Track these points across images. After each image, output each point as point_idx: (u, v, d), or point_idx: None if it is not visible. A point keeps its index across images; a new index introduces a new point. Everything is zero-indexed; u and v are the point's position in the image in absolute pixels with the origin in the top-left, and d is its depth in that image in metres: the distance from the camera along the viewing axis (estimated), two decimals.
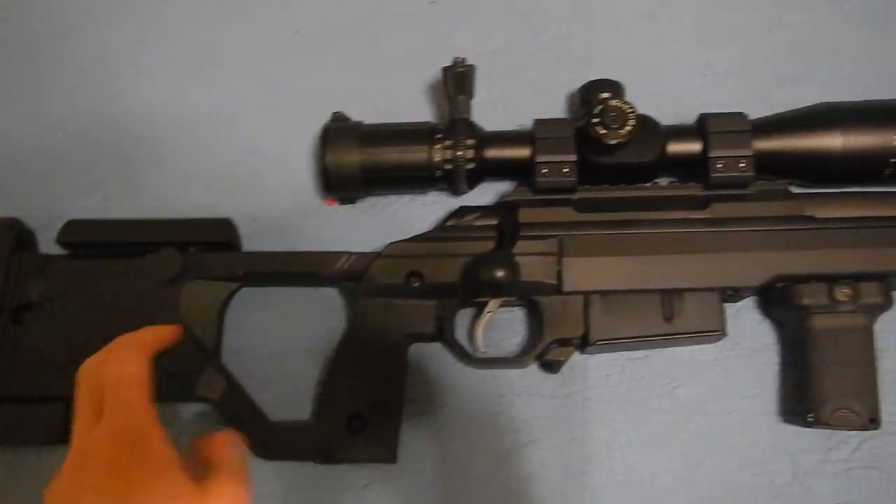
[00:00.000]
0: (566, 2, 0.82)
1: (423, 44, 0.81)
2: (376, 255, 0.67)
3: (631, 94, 0.69)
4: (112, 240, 0.70)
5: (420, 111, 0.78)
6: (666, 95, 0.77)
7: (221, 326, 0.70)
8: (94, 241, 0.70)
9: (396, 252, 0.67)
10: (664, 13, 0.80)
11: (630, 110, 0.65)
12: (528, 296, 0.67)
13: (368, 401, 0.64)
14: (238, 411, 0.66)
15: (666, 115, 0.69)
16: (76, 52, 0.83)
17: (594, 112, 0.65)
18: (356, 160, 0.69)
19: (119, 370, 0.51)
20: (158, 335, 0.57)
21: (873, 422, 0.62)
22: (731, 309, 0.69)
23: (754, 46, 0.79)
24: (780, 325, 0.69)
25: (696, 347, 0.69)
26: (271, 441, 0.66)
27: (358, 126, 0.71)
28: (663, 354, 0.69)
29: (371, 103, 0.76)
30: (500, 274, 0.62)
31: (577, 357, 0.69)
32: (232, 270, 0.69)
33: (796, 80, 0.76)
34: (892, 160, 0.65)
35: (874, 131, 0.65)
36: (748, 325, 0.70)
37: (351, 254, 0.68)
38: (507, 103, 0.78)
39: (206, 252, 0.69)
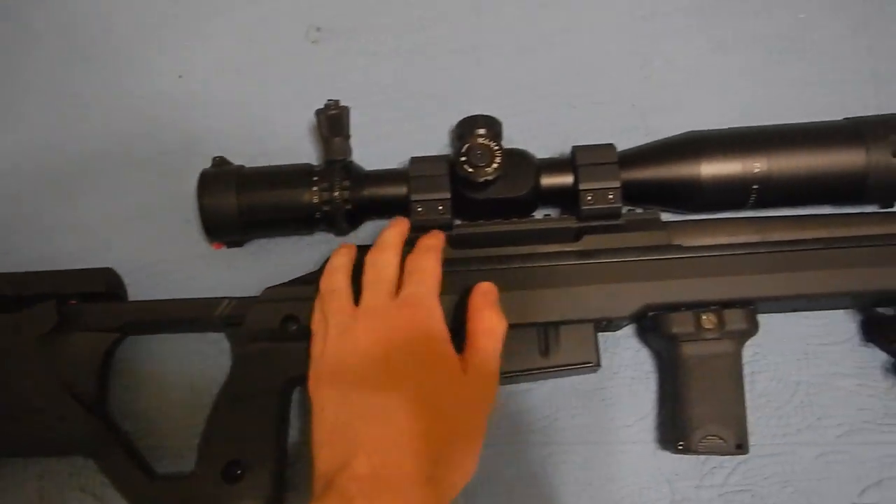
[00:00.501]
0: (450, 37, 0.83)
1: (308, 84, 0.81)
2: (253, 301, 0.67)
3: (513, 127, 0.71)
4: None
5: (306, 153, 0.78)
6: (548, 128, 0.78)
7: (105, 378, 0.70)
8: None
9: (273, 297, 0.67)
10: (541, 47, 0.82)
11: (496, 147, 0.66)
12: None
13: (248, 449, 0.64)
14: (118, 465, 0.66)
15: (551, 147, 0.71)
16: None
17: (461, 151, 0.66)
18: (233, 204, 0.69)
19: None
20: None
21: (740, 447, 0.63)
22: (611, 338, 0.70)
23: (629, 77, 0.80)
24: (656, 353, 0.70)
25: (577, 378, 0.70)
26: (155, 495, 0.65)
27: (236, 170, 0.71)
28: (546, 385, 0.70)
29: (255, 146, 0.77)
30: None
31: None
32: (114, 320, 0.69)
33: (668, 110, 0.78)
34: (755, 187, 0.66)
35: (736, 159, 0.66)
36: (628, 353, 0.71)
37: (231, 299, 0.68)
38: (393, 140, 0.78)
39: (86, 303, 0.69)
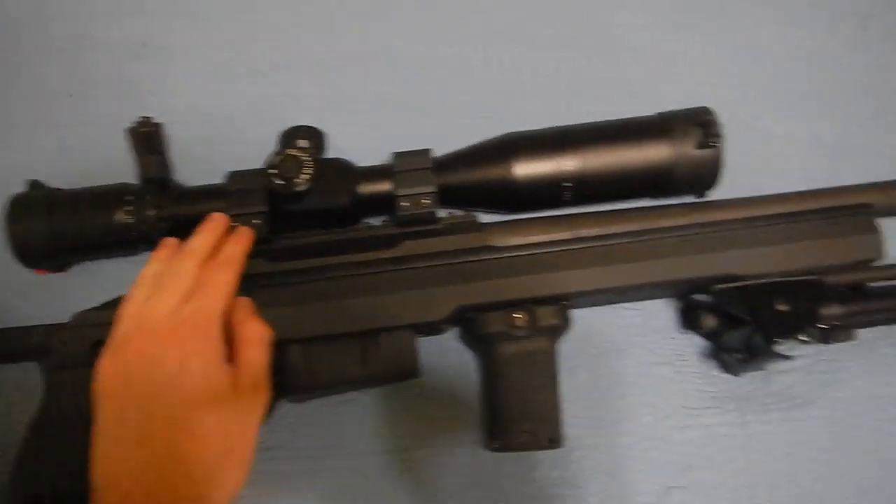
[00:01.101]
0: (269, 50, 0.83)
1: (129, 101, 0.80)
2: (63, 327, 0.66)
3: (342, 136, 0.72)
4: None
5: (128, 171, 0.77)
6: (379, 137, 0.78)
7: None
8: None
9: (82, 321, 0.66)
10: (366, 58, 0.82)
11: (306, 158, 0.66)
12: None
13: (57, 481, 0.63)
14: None
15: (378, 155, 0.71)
16: None
17: (271, 164, 0.66)
18: (44, 229, 0.67)
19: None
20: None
21: (553, 441, 0.64)
22: (435, 341, 0.71)
23: (460, 79, 0.81)
24: (476, 354, 0.71)
25: (401, 385, 0.70)
26: None
27: (48, 193, 0.69)
28: (366, 395, 0.70)
29: (75, 168, 0.74)
30: None
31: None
32: None
33: (488, 112, 0.79)
34: (567, 184, 0.68)
35: (548, 158, 0.67)
36: (452, 356, 0.72)
37: (40, 326, 0.67)
38: (220, 157, 0.77)
39: None
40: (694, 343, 0.72)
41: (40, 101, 0.81)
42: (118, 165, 0.75)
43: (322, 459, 0.69)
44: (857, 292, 0.66)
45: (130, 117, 0.76)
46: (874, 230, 0.66)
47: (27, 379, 0.70)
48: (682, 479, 0.67)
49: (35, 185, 0.71)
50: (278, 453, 0.69)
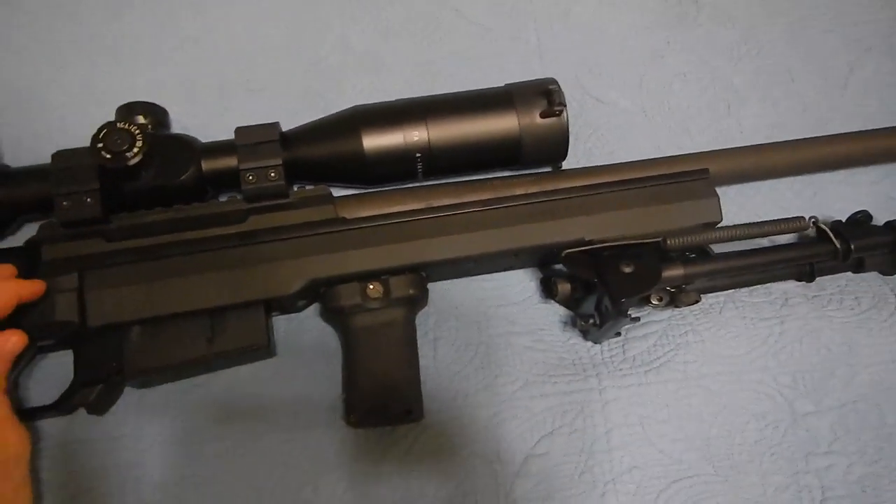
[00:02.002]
0: (96, 35, 0.79)
1: None
2: None
3: (186, 113, 0.69)
4: None
5: None
6: (216, 116, 0.76)
7: None
8: None
9: None
10: (208, 38, 0.80)
11: (138, 130, 0.62)
12: (56, 338, 0.62)
13: None
14: None
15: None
16: None
17: (98, 136, 0.62)
18: None
19: None
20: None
21: (409, 413, 0.63)
22: (294, 319, 0.68)
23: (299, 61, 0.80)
24: (335, 328, 0.69)
25: (257, 366, 0.67)
26: None
27: None
28: (218, 380, 0.67)
29: None
30: None
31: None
32: None
33: (340, 89, 0.78)
34: (418, 155, 0.67)
35: (397, 130, 0.66)
36: (311, 334, 0.69)
37: None
38: (40, 139, 0.73)
39: None
40: (555, 312, 0.72)
41: None
42: None
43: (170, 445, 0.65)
44: (699, 256, 0.68)
45: None
46: (712, 194, 0.69)
47: None
48: (543, 446, 0.67)
49: None
50: (126, 442, 0.65)
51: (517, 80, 0.70)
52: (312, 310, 0.71)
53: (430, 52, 0.81)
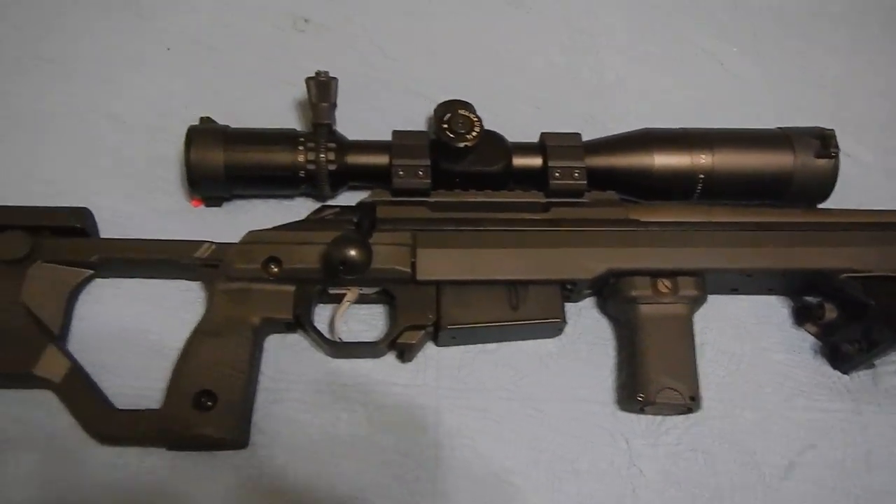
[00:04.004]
0: (416, 40, 0.91)
1: (287, 65, 0.86)
2: (234, 245, 0.69)
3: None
4: None
5: (283, 124, 0.82)
6: (505, 123, 0.85)
7: (70, 312, 0.69)
8: None
9: (256, 239, 0.69)
10: (506, 54, 0.91)
11: (476, 119, 0.72)
12: (384, 285, 0.70)
13: (220, 380, 0.64)
14: (80, 396, 0.64)
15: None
16: None
17: (444, 118, 0.71)
18: (220, 159, 0.71)
19: None
20: None
21: (693, 399, 0.68)
22: (573, 308, 0.75)
23: (585, 87, 0.90)
24: (614, 320, 0.75)
25: (539, 342, 0.73)
26: (115, 426, 0.64)
27: (223, 128, 0.74)
28: (509, 349, 0.73)
29: (237, 115, 0.78)
30: (351, 252, 0.64)
31: (430, 350, 0.72)
32: (85, 256, 0.68)
33: (618, 117, 0.87)
34: (701, 177, 0.74)
35: (685, 153, 0.74)
36: (588, 322, 0.76)
37: (211, 242, 0.69)
38: (363, 124, 0.82)
39: (58, 237, 0.68)
40: (805, 338, 0.76)
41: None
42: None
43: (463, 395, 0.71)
44: None
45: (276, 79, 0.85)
46: None
47: None
48: (806, 456, 0.70)
49: (207, 121, 0.76)
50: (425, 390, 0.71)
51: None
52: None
53: (695, 92, 0.90)
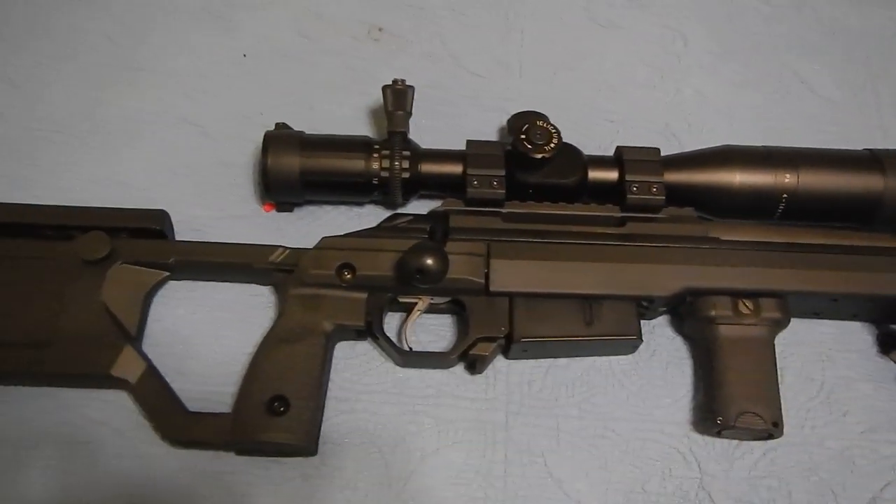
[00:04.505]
0: (491, 50, 0.90)
1: (362, 74, 0.86)
2: (308, 251, 0.69)
3: None
4: (41, 222, 0.69)
5: (356, 132, 0.82)
6: (579, 137, 0.83)
7: (146, 313, 0.69)
8: (21, 222, 0.69)
9: (330, 245, 0.69)
10: (581, 68, 0.90)
11: (554, 131, 0.71)
12: (456, 295, 0.69)
13: (292, 386, 0.64)
14: (154, 398, 0.65)
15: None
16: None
17: (522, 129, 0.70)
18: (296, 164, 0.72)
19: None
20: None
21: (776, 426, 0.65)
22: (646, 326, 0.73)
23: (662, 102, 0.88)
24: (690, 339, 0.73)
25: (612, 359, 0.72)
26: (186, 429, 0.64)
27: (299, 134, 0.74)
28: (581, 364, 0.72)
29: (311, 123, 0.79)
30: (428, 261, 0.63)
31: (499, 364, 0.71)
32: (162, 257, 0.69)
33: (694, 133, 0.86)
34: (784, 196, 0.72)
35: (768, 171, 0.72)
36: (662, 340, 0.74)
37: (285, 247, 0.70)
38: (430, 134, 0.82)
39: (136, 239, 0.69)
40: (891, 369, 0.73)
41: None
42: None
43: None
44: None
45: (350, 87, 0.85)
46: None
47: None
48: (890, 493, 0.67)
49: (283, 126, 0.76)
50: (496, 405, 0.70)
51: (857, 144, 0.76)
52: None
53: (777, 110, 0.87)
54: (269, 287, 0.73)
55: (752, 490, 0.67)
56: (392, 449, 0.67)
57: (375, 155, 0.72)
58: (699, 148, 0.76)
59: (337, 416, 0.68)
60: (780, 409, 0.66)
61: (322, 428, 0.66)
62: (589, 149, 0.76)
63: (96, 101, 0.84)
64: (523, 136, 0.70)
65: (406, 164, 0.72)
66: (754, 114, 0.88)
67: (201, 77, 0.86)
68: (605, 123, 0.86)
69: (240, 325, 0.71)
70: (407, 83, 0.75)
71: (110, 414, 0.67)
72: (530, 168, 0.72)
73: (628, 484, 0.67)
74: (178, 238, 0.74)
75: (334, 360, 0.70)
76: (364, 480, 0.66)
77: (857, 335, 0.75)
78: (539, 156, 0.70)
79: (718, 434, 0.68)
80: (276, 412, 0.63)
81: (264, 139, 0.73)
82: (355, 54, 0.89)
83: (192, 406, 0.66)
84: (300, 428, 0.63)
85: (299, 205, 0.77)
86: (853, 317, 0.75)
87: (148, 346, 0.69)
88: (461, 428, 0.68)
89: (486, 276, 0.68)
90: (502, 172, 0.72)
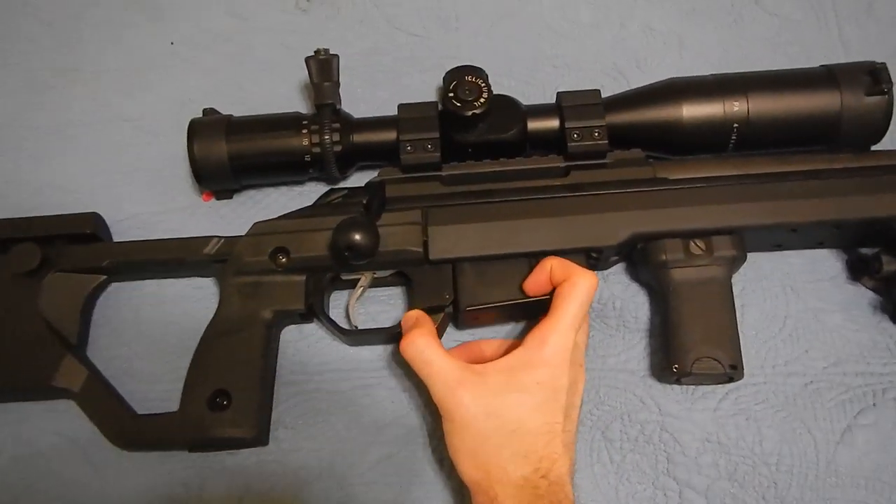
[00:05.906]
0: (426, 7, 0.86)
1: (295, 48, 0.83)
2: (241, 237, 0.67)
3: (497, 86, 0.71)
4: None
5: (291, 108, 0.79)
6: (524, 86, 0.80)
7: (86, 319, 0.69)
8: None
9: (262, 230, 0.67)
10: (518, 13, 0.86)
11: (484, 84, 0.67)
12: (398, 267, 0.67)
13: (234, 379, 0.63)
14: (100, 404, 0.64)
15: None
16: None
17: (450, 87, 0.67)
18: (224, 149, 0.69)
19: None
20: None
21: (735, 368, 0.62)
22: (600, 276, 0.70)
23: (607, 40, 0.84)
24: (646, 286, 0.71)
25: None
26: (135, 432, 0.63)
27: (225, 118, 0.72)
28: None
29: (244, 104, 0.77)
30: (356, 237, 0.61)
31: (451, 332, 0.69)
32: (96, 261, 0.68)
33: (646, 69, 0.82)
34: (735, 126, 0.68)
35: (716, 101, 0.68)
36: (617, 288, 0.71)
37: (220, 237, 0.68)
38: (372, 102, 0.80)
39: (69, 245, 0.68)
40: (863, 294, 0.70)
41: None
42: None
43: None
44: None
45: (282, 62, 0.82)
46: None
47: None
48: (867, 418, 0.65)
49: (210, 112, 0.74)
50: None
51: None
52: None
53: (732, 36, 0.83)
54: (212, 279, 0.71)
55: (720, 429, 0.65)
56: (347, 424, 0.66)
57: (304, 131, 0.70)
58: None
59: (288, 400, 0.67)
60: (740, 350, 0.63)
61: (274, 414, 0.66)
62: (535, 98, 0.73)
63: (29, 106, 0.82)
64: (451, 94, 0.67)
65: (337, 137, 0.70)
66: (707, 43, 0.83)
67: (134, 70, 0.84)
68: (550, 69, 0.82)
69: (185, 319, 0.70)
70: (340, 53, 0.73)
71: (64, 424, 0.66)
72: (465, 126, 0.69)
73: (589, 432, 0.66)
74: (121, 238, 0.73)
75: (283, 345, 0.69)
76: (321, 458, 0.65)
77: (827, 263, 0.72)
78: (470, 112, 0.67)
79: (678, 382, 0.66)
80: (220, 407, 0.62)
81: (189, 127, 0.71)
82: (286, 28, 0.85)
83: (146, 407, 0.65)
84: (246, 420, 0.62)
85: (238, 190, 0.76)
86: (819, 245, 0.72)
87: (94, 352, 0.68)
88: (415, 395, 0.67)
89: (425, 245, 0.66)
90: (436, 134, 0.69)
